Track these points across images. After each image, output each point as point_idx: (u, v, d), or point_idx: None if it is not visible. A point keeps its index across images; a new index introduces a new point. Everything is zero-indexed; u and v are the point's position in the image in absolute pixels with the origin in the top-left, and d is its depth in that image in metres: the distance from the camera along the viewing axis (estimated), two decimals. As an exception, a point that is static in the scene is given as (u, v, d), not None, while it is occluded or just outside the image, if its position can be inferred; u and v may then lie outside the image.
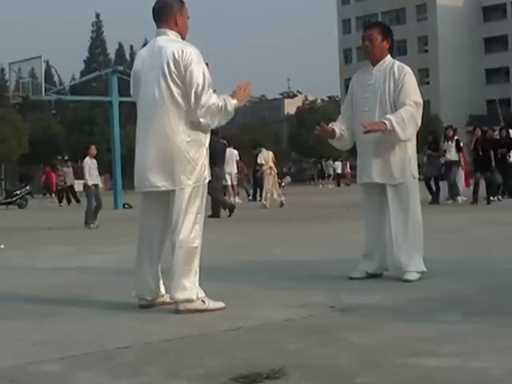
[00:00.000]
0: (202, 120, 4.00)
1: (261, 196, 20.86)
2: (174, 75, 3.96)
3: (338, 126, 5.11)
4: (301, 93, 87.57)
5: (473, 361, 2.81)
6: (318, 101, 64.64)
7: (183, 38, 4.18)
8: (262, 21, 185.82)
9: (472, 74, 65.23)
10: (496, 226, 9.28)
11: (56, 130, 54.18)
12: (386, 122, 4.76)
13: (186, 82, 3.94)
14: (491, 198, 14.53)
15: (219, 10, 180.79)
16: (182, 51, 3.97)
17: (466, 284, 4.64)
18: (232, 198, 20.15)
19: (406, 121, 4.82)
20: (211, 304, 3.98)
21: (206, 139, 4.11)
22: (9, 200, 22.94)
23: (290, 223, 10.86)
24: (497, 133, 16.36)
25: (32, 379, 2.81)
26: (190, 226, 3.97)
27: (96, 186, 12.21)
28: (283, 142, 56.01)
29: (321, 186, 37.61)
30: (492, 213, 11.70)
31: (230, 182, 20.24)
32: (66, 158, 29.39)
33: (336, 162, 39.84)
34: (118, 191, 19.71)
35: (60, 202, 24.10)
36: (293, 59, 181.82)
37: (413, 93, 4.90)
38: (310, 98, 66.91)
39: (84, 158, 12.28)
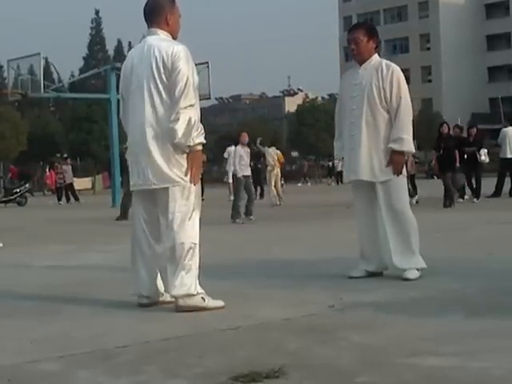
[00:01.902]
0: (170, 125, 3.91)
1: (261, 195, 20.85)
2: (163, 74, 3.98)
3: (340, 152, 5.19)
4: (301, 90, 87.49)
5: (473, 360, 2.80)
6: (319, 98, 64.54)
7: (175, 37, 4.20)
8: (263, 18, 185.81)
9: (474, 71, 65.06)
10: (496, 225, 9.27)
11: (55, 127, 54.06)
12: (398, 149, 4.86)
13: (171, 81, 3.95)
14: (460, 199, 14.25)
15: (220, 7, 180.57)
16: (172, 50, 3.98)
17: (466, 283, 4.62)
18: (232, 197, 20.11)
19: (408, 128, 4.90)
20: (211, 302, 3.97)
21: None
22: (8, 198, 22.90)
23: (289, 222, 10.85)
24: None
25: (31, 378, 2.80)
26: (187, 223, 3.97)
27: (247, 177, 11.36)
28: (283, 140, 55.98)
29: (333, 183, 37.74)
30: (491, 212, 11.69)
31: (231, 180, 20.17)
32: (65, 155, 29.30)
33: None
34: (116, 189, 19.67)
35: (59, 199, 24.06)
36: (293, 57, 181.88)
37: (402, 90, 4.91)
38: (311, 96, 66.83)
39: (236, 145, 11.34)
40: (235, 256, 6.66)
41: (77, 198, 23.89)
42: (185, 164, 3.99)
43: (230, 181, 20.11)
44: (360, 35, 5.00)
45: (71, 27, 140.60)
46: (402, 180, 4.99)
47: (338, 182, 37.70)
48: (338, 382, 2.61)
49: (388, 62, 5.02)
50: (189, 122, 3.89)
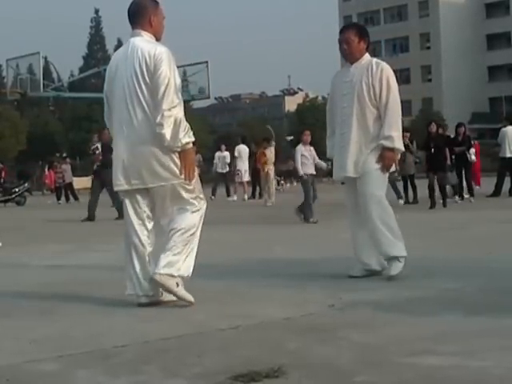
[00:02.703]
0: (156, 129, 3.95)
1: (260, 194, 20.84)
2: (146, 76, 4.03)
3: (332, 151, 5.21)
4: (301, 90, 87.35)
5: (473, 359, 2.80)
6: (319, 98, 64.48)
7: (158, 39, 4.26)
8: (263, 17, 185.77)
9: (474, 71, 64.99)
10: (495, 224, 9.26)
11: (54, 126, 54.11)
12: (389, 146, 4.89)
13: (154, 82, 4.00)
14: (456, 198, 14.17)
15: (220, 6, 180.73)
16: (154, 52, 4.04)
17: (465, 283, 4.62)
18: (233, 197, 20.08)
19: (397, 125, 4.93)
20: (182, 291, 3.98)
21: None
22: (7, 197, 22.86)
23: (289, 221, 10.84)
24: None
25: (29, 378, 2.79)
26: (190, 213, 4.03)
27: (311, 176, 11.10)
28: (284, 140, 55.96)
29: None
30: (491, 211, 11.68)
31: (241, 179, 20.14)
32: (64, 155, 29.25)
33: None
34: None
35: (58, 199, 24.03)
36: (294, 56, 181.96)
37: (391, 87, 4.92)
38: (311, 95, 66.76)
39: (297, 144, 11.34)
40: (236, 255, 6.66)
41: (76, 198, 23.84)
42: (176, 160, 4.04)
43: (240, 179, 20.09)
44: (351, 35, 5.04)
45: (71, 26, 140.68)
46: (379, 171, 4.98)
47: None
48: (337, 381, 2.61)
49: (378, 60, 5.07)
50: (174, 124, 3.95)
